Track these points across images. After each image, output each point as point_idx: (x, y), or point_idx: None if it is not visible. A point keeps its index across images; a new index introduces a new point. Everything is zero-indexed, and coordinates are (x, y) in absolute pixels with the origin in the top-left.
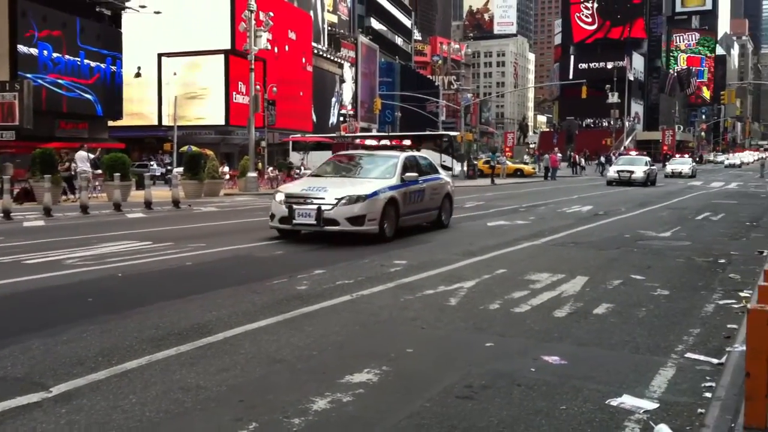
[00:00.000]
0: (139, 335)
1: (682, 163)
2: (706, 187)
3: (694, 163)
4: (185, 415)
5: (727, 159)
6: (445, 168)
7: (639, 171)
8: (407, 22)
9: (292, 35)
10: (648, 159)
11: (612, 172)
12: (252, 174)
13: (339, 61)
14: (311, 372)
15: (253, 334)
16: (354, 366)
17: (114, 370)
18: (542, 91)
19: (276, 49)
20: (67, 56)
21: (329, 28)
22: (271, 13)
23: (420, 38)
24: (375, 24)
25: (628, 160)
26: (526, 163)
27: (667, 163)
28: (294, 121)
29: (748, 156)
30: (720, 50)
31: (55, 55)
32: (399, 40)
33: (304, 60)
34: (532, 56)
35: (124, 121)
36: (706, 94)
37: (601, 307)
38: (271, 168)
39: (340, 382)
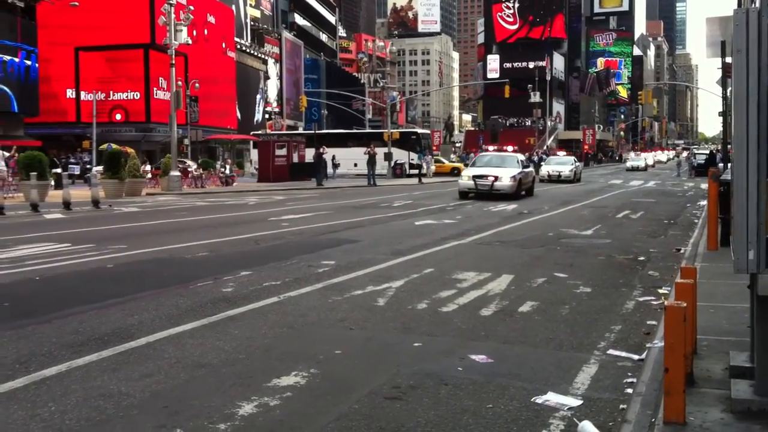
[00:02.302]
0: (58, 341)
1: (561, 164)
2: (625, 186)
3: (578, 163)
4: (107, 423)
5: (630, 160)
6: (413, 167)
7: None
8: (332, 19)
9: (213, 30)
10: (574, 158)
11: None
12: (175, 173)
13: (263, 57)
14: (237, 376)
15: (177, 339)
16: (281, 369)
17: (32, 377)
18: (467, 90)
19: (197, 44)
20: None
21: (252, 23)
22: (192, 7)
23: (345, 35)
24: (299, 20)
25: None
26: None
27: (542, 164)
28: (218, 119)
29: (661, 155)
30: (637, 51)
31: None
32: (324, 37)
33: (227, 55)
34: (456, 55)
35: (41, 118)
36: (623, 93)
37: (526, 305)
38: (195, 166)
39: (267, 386)
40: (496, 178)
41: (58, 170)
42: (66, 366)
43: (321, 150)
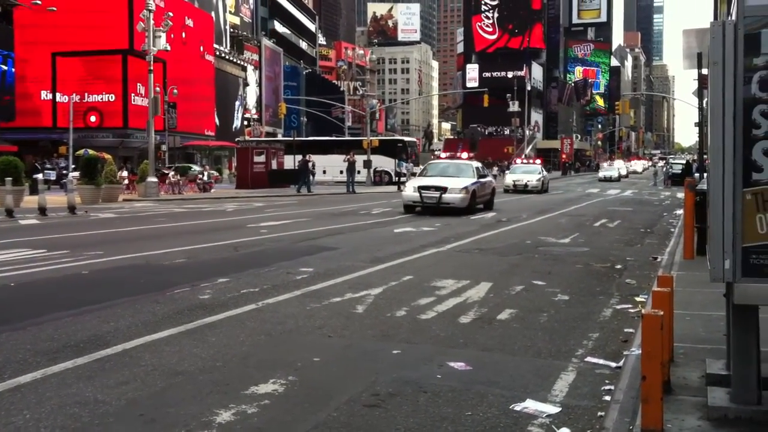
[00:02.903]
0: (32, 348)
1: (527, 172)
2: (602, 195)
3: (545, 172)
4: (82, 431)
5: (602, 170)
6: (399, 175)
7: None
8: (311, 26)
9: (192, 34)
10: (541, 167)
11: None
12: (152, 179)
13: (242, 63)
14: (215, 384)
15: (154, 346)
16: (259, 377)
17: (6, 384)
18: (446, 99)
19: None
20: None
21: (231, 29)
22: (171, 13)
23: (324, 43)
24: (279, 27)
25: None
26: None
27: (506, 172)
28: (196, 125)
29: (637, 165)
30: (614, 62)
31: None
32: (303, 44)
33: (205, 59)
34: (435, 64)
35: (17, 122)
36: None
37: (504, 312)
38: (172, 173)
39: (244, 394)
40: (445, 190)
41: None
42: (41, 373)
43: (307, 158)
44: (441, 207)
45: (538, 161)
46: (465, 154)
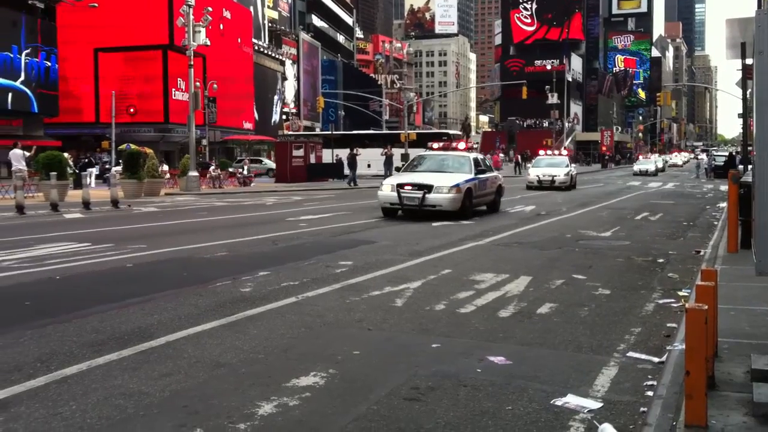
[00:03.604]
0: (78, 340)
1: (553, 165)
2: (644, 188)
3: (572, 165)
4: (127, 422)
5: (637, 163)
6: None
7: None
8: (349, 20)
9: (230, 27)
10: (568, 160)
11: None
12: (193, 173)
13: (280, 58)
14: (256, 376)
15: (196, 338)
16: (300, 369)
17: (53, 376)
18: (484, 92)
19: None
20: None
21: (270, 24)
22: (210, 8)
23: (362, 36)
24: (316, 21)
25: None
26: None
27: (528, 166)
28: (235, 119)
29: (676, 158)
30: (655, 52)
31: None
32: (341, 38)
33: (244, 52)
34: (473, 56)
35: (60, 118)
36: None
37: (544, 306)
38: (213, 167)
39: (285, 386)
40: (430, 189)
41: (93, 170)
42: (86, 365)
43: (355, 151)
44: (424, 210)
45: (565, 152)
46: (462, 144)
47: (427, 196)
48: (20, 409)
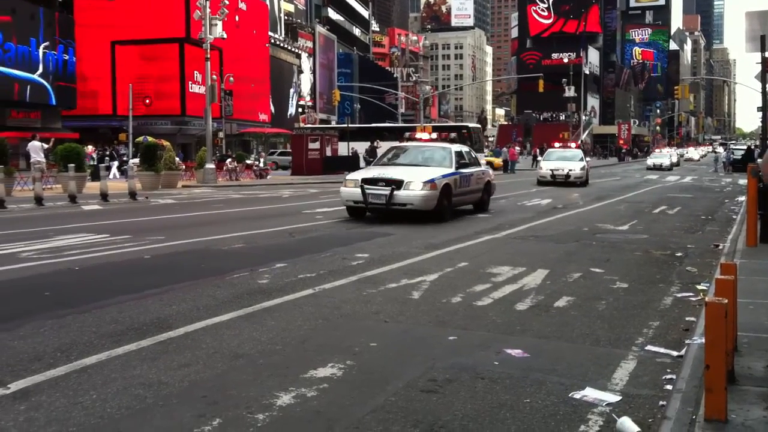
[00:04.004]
0: (97, 330)
1: (566, 159)
2: (661, 181)
3: (586, 159)
4: (146, 412)
5: (651, 157)
6: None
7: (576, 168)
8: (365, 13)
9: (247, 25)
10: (582, 153)
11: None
12: (210, 165)
13: (296, 51)
14: (274, 367)
15: (215, 329)
16: (317, 360)
17: (73, 365)
18: (500, 85)
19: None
20: (17, 43)
21: (286, 17)
22: (227, 1)
23: (378, 29)
24: (332, 14)
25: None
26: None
27: (539, 159)
28: (252, 112)
29: (693, 152)
30: (673, 45)
31: (4, 41)
32: (357, 31)
33: (261, 50)
34: (489, 49)
35: (78, 111)
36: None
37: (561, 300)
38: (229, 159)
39: (303, 377)
40: (399, 185)
41: (115, 162)
42: (106, 355)
43: (375, 144)
44: (392, 210)
45: (572, 145)
46: (426, 135)
47: (396, 193)
48: (41, 398)
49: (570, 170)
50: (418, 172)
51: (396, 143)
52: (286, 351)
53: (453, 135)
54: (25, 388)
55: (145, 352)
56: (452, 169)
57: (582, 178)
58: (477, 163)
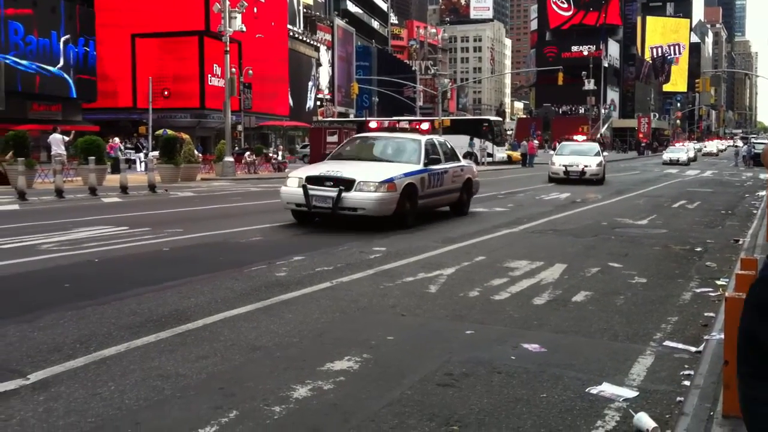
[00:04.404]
0: (116, 322)
1: (581, 153)
2: (681, 176)
3: (603, 154)
4: (165, 403)
5: (667, 151)
6: (488, 155)
7: (593, 164)
8: (383, 5)
9: (267, 17)
10: (598, 147)
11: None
12: (229, 158)
13: (315, 44)
14: (291, 359)
15: (232, 321)
16: (334, 353)
17: (92, 357)
18: (519, 78)
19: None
20: (38, 36)
21: (305, 10)
22: None
23: (396, 22)
24: (351, 7)
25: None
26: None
27: (553, 154)
28: (270, 105)
29: (711, 145)
30: (694, 38)
31: (25, 34)
32: (375, 24)
33: (279, 43)
34: (508, 42)
35: (98, 103)
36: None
37: (579, 294)
38: (248, 152)
39: (320, 370)
40: (350, 185)
41: (141, 154)
42: (125, 346)
43: None
44: (340, 215)
45: (581, 137)
46: (426, 125)
47: (344, 195)
48: (60, 389)
49: (586, 166)
50: (376, 170)
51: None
52: (303, 344)
53: (425, 126)
54: (44, 378)
55: (164, 344)
56: (420, 166)
57: (599, 175)
58: (455, 158)
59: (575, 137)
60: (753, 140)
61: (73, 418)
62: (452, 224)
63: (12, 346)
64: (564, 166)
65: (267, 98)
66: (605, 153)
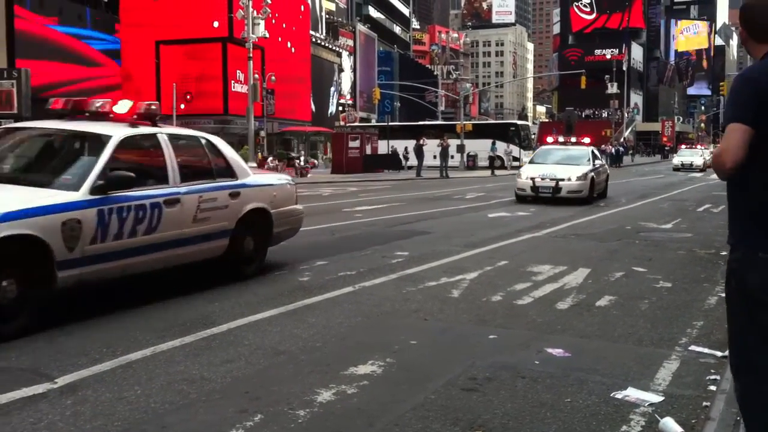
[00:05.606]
0: (143, 327)
1: (563, 162)
2: (706, 179)
3: (599, 161)
4: (190, 407)
5: (677, 155)
6: (515, 159)
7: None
8: (405, 11)
9: (289, 23)
10: (591, 152)
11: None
12: (252, 164)
13: (337, 49)
14: (315, 364)
15: (257, 326)
16: (358, 358)
17: (118, 361)
18: (541, 81)
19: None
20: (64, 42)
21: (327, 16)
22: (269, 0)
23: (418, 27)
24: (373, 12)
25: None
26: None
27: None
28: (292, 111)
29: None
30: (719, 41)
31: (52, 39)
32: (397, 29)
33: (302, 49)
34: (530, 46)
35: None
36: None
37: (603, 299)
38: (271, 158)
39: (344, 374)
40: (561, 180)
41: None
42: (151, 351)
43: (421, 141)
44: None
45: (586, 140)
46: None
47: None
48: (87, 393)
49: (561, 180)
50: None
51: (436, 141)
52: (326, 348)
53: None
54: (71, 382)
55: (189, 348)
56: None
57: (581, 192)
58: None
59: (559, 138)
60: None
61: (100, 421)
62: (474, 228)
63: (40, 350)
64: (531, 179)
65: (289, 104)
66: (600, 162)
